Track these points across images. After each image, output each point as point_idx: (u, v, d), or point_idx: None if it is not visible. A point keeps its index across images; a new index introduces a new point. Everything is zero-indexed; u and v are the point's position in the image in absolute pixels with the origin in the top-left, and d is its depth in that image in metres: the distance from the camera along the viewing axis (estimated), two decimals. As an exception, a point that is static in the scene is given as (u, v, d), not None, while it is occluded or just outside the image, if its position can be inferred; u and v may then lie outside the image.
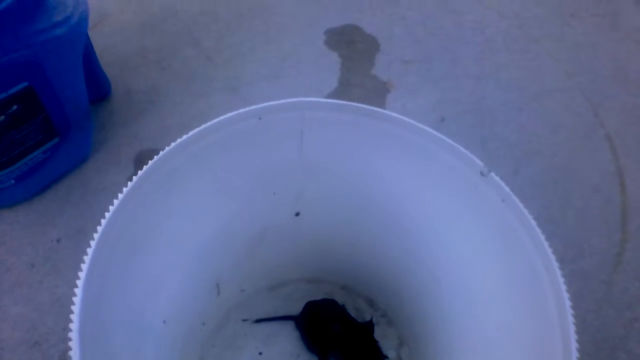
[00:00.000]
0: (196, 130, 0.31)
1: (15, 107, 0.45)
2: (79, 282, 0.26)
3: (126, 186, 0.30)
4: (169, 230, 0.33)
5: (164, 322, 0.35)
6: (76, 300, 0.25)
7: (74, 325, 0.25)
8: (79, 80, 0.51)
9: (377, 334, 0.45)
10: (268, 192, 0.38)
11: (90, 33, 0.57)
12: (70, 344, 0.24)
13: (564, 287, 0.26)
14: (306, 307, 0.46)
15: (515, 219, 0.29)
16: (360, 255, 0.44)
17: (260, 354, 0.45)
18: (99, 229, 0.28)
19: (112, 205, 0.29)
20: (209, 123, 0.32)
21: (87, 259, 0.27)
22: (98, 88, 0.60)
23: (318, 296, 0.48)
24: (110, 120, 0.60)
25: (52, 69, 0.46)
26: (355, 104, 0.33)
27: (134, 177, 0.30)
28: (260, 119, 0.33)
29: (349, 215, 0.40)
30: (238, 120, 0.32)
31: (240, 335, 0.46)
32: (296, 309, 0.47)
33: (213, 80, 0.66)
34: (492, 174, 0.31)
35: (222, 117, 0.32)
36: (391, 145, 0.34)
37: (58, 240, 0.51)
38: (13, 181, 0.50)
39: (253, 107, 0.32)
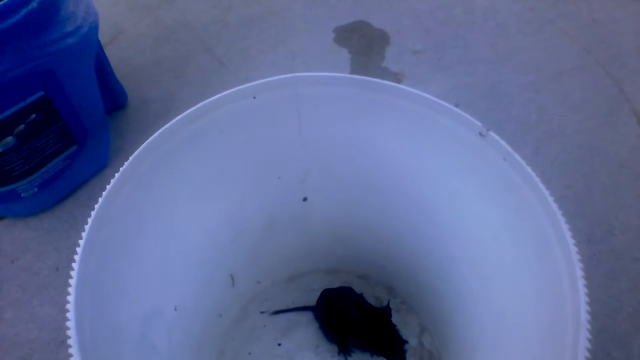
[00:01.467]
0: (189, 111, 0.31)
1: (33, 115, 0.47)
2: (76, 257, 0.26)
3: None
4: (170, 215, 0.33)
5: (175, 308, 0.36)
6: (73, 274, 0.25)
7: (70, 300, 0.25)
8: (93, 87, 0.53)
9: (398, 321, 0.44)
10: (272, 176, 0.38)
11: (106, 49, 0.60)
12: (68, 323, 0.25)
13: (571, 242, 0.25)
14: (322, 296, 0.46)
15: (518, 177, 0.28)
16: (373, 240, 0.44)
17: (279, 345, 0.45)
18: (96, 205, 0.28)
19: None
20: (201, 104, 0.32)
21: (83, 234, 0.27)
22: (115, 98, 0.62)
23: (335, 286, 0.47)
24: (127, 128, 0.62)
25: (65, 77, 0.48)
26: (350, 75, 0.33)
27: (129, 159, 0.30)
28: (254, 97, 0.33)
29: (356, 195, 0.40)
30: (231, 99, 0.33)
31: (259, 327, 0.46)
32: (314, 299, 0.47)
33: (226, 84, 0.66)
34: (491, 132, 0.30)
35: (214, 97, 0.32)
36: (389, 116, 0.33)
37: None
38: (36, 189, 0.52)
39: (246, 85, 0.32)
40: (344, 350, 0.44)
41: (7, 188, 0.50)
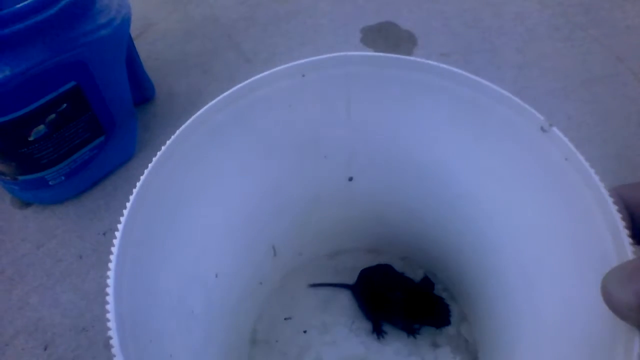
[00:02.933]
0: (237, 87, 0.31)
1: (64, 105, 0.48)
2: (119, 226, 0.27)
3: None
4: (215, 187, 0.34)
5: (216, 275, 0.37)
6: (115, 241, 0.27)
7: (111, 267, 0.26)
8: (123, 79, 0.53)
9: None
10: (318, 155, 0.38)
11: (136, 42, 0.60)
12: (107, 290, 0.26)
13: (630, 250, 0.24)
14: (362, 275, 0.46)
15: (580, 179, 0.27)
16: (417, 223, 0.43)
17: (316, 316, 0.46)
18: (142, 177, 0.29)
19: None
20: (249, 80, 0.32)
21: (128, 203, 0.28)
22: (142, 91, 0.63)
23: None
24: (154, 121, 0.63)
25: (97, 68, 0.48)
26: (405, 57, 0.32)
27: (175, 134, 0.31)
28: (303, 76, 0.32)
29: (403, 180, 0.39)
30: (281, 77, 0.32)
31: (298, 297, 0.47)
32: (354, 277, 0.47)
33: (251, 81, 0.67)
34: (555, 128, 0.28)
35: (263, 74, 0.32)
36: (442, 100, 0.32)
37: (104, 234, 0.53)
38: (63, 177, 0.53)
39: (296, 62, 0.32)
40: (377, 330, 0.44)
41: (36, 175, 0.51)
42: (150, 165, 0.30)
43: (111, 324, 0.25)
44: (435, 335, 0.44)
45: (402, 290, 0.43)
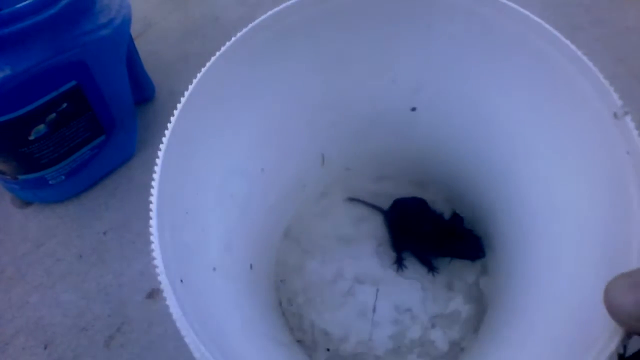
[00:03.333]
0: None
1: (65, 105, 0.48)
2: (172, 118, 0.30)
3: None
4: (276, 88, 0.35)
5: (262, 170, 0.39)
6: (167, 132, 0.30)
7: (160, 154, 0.29)
8: (123, 79, 0.53)
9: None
10: (386, 78, 0.38)
11: (136, 41, 0.60)
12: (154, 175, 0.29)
13: None
14: (395, 204, 0.47)
15: (635, 176, 0.26)
16: (467, 171, 0.43)
17: (345, 228, 0.49)
18: (203, 69, 0.32)
19: None
20: None
21: (183, 99, 0.31)
22: (143, 91, 0.63)
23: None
24: (154, 121, 0.63)
25: (97, 68, 0.48)
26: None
27: (237, 36, 0.33)
28: None
29: (465, 123, 0.39)
30: None
31: (334, 207, 0.50)
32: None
33: (251, 81, 0.67)
34: (628, 118, 0.26)
35: None
36: (524, 57, 0.31)
37: (104, 233, 0.53)
38: (63, 177, 0.53)
39: None
40: (398, 262, 0.46)
41: (36, 175, 0.51)
42: (213, 58, 0.32)
43: (153, 193, 0.28)
44: (453, 279, 0.45)
45: (431, 225, 0.44)
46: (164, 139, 0.30)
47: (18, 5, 0.41)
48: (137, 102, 0.62)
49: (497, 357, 0.36)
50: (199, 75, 0.31)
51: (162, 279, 0.27)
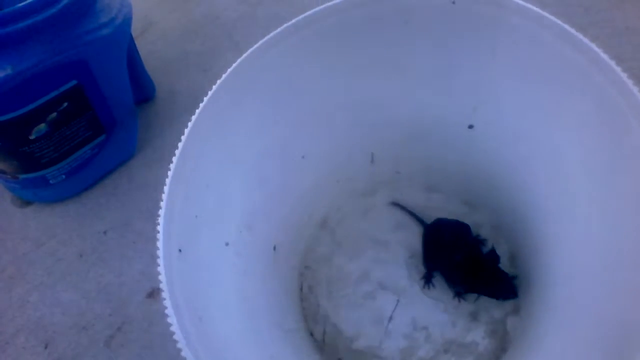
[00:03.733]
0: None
1: (65, 104, 0.48)
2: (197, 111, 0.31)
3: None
4: (329, 81, 0.36)
5: (303, 157, 0.40)
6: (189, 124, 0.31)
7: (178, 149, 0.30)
8: (124, 78, 0.53)
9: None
10: (440, 89, 0.37)
11: (136, 41, 0.60)
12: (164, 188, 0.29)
13: None
14: (435, 223, 0.46)
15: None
16: (516, 202, 0.42)
17: (380, 232, 0.48)
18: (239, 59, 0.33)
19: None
20: None
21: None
22: (143, 90, 0.63)
23: (466, 221, 0.46)
24: (154, 120, 0.63)
25: (98, 67, 0.48)
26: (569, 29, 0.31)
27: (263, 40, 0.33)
28: (454, 2, 0.30)
29: (519, 154, 0.38)
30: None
31: (377, 208, 0.49)
32: (437, 220, 0.47)
33: (252, 80, 0.67)
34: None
35: None
36: (587, 98, 0.31)
37: (105, 233, 0.53)
38: (64, 176, 0.53)
39: None
40: (427, 278, 0.45)
41: (36, 174, 0.51)
42: (249, 50, 0.33)
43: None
44: (480, 311, 0.43)
45: (464, 254, 0.43)
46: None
47: (19, 5, 0.41)
48: (137, 102, 0.62)
49: None
50: (244, 55, 0.33)
51: (159, 244, 0.27)
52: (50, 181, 0.53)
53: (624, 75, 0.29)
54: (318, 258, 0.47)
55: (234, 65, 0.32)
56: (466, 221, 0.46)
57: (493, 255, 0.44)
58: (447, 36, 0.34)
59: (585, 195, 0.34)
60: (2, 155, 0.48)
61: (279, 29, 0.32)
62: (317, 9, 0.33)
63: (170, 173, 0.30)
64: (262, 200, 0.39)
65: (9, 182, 0.53)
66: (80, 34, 0.46)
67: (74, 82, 0.47)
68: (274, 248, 0.41)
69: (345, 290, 0.46)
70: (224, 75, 0.32)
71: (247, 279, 0.37)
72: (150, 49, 0.71)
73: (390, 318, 0.44)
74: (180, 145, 0.30)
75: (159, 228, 0.28)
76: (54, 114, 0.48)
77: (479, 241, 0.46)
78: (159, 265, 0.27)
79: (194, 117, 0.32)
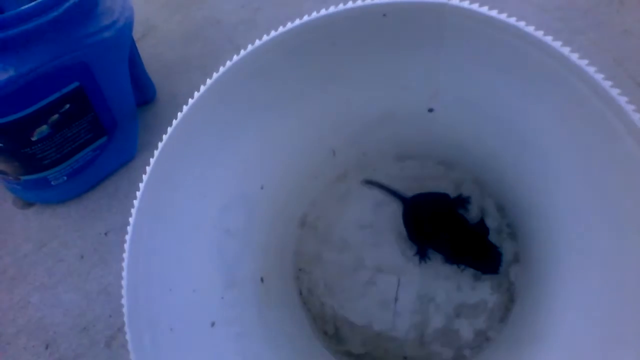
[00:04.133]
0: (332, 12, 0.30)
1: (67, 106, 0.48)
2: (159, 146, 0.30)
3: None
4: (283, 96, 0.35)
5: (262, 187, 0.38)
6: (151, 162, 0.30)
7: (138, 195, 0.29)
8: (125, 81, 0.54)
9: (495, 243, 0.43)
10: (395, 85, 0.36)
11: (138, 44, 0.61)
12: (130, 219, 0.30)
13: None
14: (414, 200, 0.44)
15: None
16: (496, 158, 0.41)
17: (365, 216, 0.46)
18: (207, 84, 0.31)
19: None
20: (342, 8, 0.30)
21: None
22: (144, 92, 0.63)
23: (445, 182, 0.45)
24: (155, 122, 0.63)
25: (99, 69, 0.49)
26: (523, 27, 0.29)
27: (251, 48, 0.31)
28: (384, 15, 0.29)
29: (486, 133, 0.38)
30: (360, 13, 0.30)
31: (352, 192, 0.47)
32: (417, 187, 0.45)
33: (252, 83, 0.68)
34: None
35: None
36: (550, 91, 0.30)
37: (105, 234, 0.54)
38: (65, 178, 0.54)
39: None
40: (421, 253, 0.44)
41: (38, 175, 0.52)
42: (216, 75, 0.31)
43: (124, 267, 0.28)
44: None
45: (451, 231, 0.42)
46: (149, 165, 0.30)
47: (22, 8, 0.41)
48: (138, 104, 0.63)
49: (523, 348, 0.35)
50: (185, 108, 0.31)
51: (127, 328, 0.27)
52: (52, 183, 0.53)
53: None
54: (309, 259, 0.46)
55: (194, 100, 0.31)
56: (445, 181, 0.45)
57: (483, 227, 0.43)
58: (393, 43, 0.33)
59: (557, 149, 0.33)
60: (4, 156, 0.49)
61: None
62: (281, 30, 0.32)
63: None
64: (236, 243, 0.37)
65: (11, 183, 0.54)
66: (82, 36, 0.46)
67: (76, 84, 0.48)
68: (262, 280, 0.40)
69: (343, 283, 0.45)
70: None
71: (244, 340, 0.36)
72: (152, 52, 0.71)
73: (396, 299, 0.44)
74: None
75: (125, 311, 0.28)
76: (56, 116, 0.48)
77: (462, 202, 0.44)
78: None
79: (146, 174, 0.31)
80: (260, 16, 0.77)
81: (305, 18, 0.30)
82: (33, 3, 0.42)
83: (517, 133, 0.36)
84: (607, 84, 0.27)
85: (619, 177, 0.28)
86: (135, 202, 0.30)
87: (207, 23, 0.76)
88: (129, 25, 0.51)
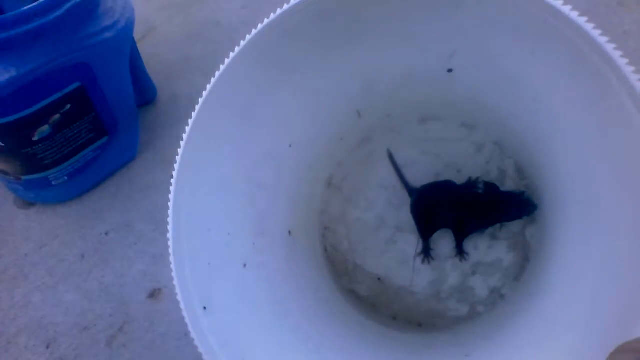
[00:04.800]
0: None
1: (68, 106, 0.49)
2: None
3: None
4: (311, 60, 0.37)
5: (290, 145, 0.41)
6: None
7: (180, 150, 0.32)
8: (126, 81, 0.54)
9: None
10: (415, 46, 0.38)
11: (138, 45, 0.61)
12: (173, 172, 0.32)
13: None
14: (420, 196, 0.45)
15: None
16: (513, 119, 0.41)
17: (388, 177, 0.48)
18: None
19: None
20: None
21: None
22: (145, 93, 0.64)
23: (466, 143, 0.46)
24: (156, 123, 0.63)
25: (101, 69, 0.49)
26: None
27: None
28: None
29: (502, 92, 0.39)
30: None
31: (376, 154, 0.48)
32: (442, 150, 0.46)
33: (252, 84, 0.68)
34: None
35: None
36: (556, 48, 0.31)
37: (106, 234, 0.54)
38: (66, 178, 0.54)
39: None
40: (425, 253, 0.45)
41: (39, 175, 0.52)
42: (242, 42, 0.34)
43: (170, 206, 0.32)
44: (497, 228, 0.44)
45: (467, 207, 0.43)
46: (188, 125, 0.33)
47: (23, 8, 0.42)
48: (138, 105, 0.63)
49: (536, 305, 0.36)
50: (233, 53, 0.35)
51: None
52: (53, 182, 0.53)
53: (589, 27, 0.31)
54: (334, 218, 0.48)
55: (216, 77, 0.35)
56: (467, 143, 0.46)
57: (490, 186, 0.43)
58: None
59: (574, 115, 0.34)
60: (5, 156, 0.49)
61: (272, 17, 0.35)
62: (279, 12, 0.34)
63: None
64: (268, 202, 0.40)
65: (12, 183, 0.54)
66: (83, 37, 0.46)
67: (77, 84, 0.48)
68: (289, 233, 0.42)
69: (366, 241, 0.47)
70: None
71: (273, 282, 0.38)
72: (152, 52, 0.72)
73: (415, 257, 0.45)
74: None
75: (170, 243, 0.31)
76: (57, 116, 0.48)
77: (471, 186, 0.45)
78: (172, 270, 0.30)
79: (185, 134, 0.33)
80: (260, 17, 0.77)
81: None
82: (35, 3, 0.42)
83: (529, 91, 0.37)
84: (603, 40, 0.29)
85: (615, 130, 0.29)
86: (179, 152, 0.33)
87: (208, 24, 0.77)
88: (130, 26, 0.51)
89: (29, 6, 0.42)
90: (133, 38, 0.54)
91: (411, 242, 0.46)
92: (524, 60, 0.35)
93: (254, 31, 0.33)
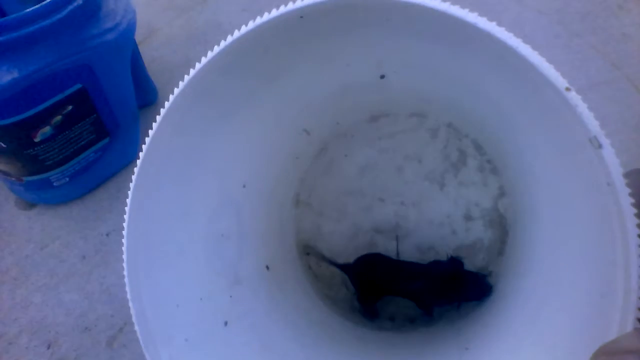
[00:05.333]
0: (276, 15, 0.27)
1: (70, 107, 0.49)
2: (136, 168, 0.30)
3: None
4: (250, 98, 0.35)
5: (244, 185, 0.39)
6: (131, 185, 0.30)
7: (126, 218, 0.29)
8: (127, 83, 0.54)
9: (479, 181, 0.44)
10: (341, 63, 0.36)
11: (140, 47, 0.61)
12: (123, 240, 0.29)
13: None
14: (358, 263, 0.45)
15: (614, 207, 0.24)
16: (466, 94, 0.39)
17: (353, 183, 0.47)
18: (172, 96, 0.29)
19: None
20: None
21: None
22: (146, 95, 0.64)
23: (421, 131, 0.45)
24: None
25: (102, 71, 0.49)
26: (469, 15, 0.24)
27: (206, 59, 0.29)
28: (301, 17, 0.28)
29: (441, 83, 0.38)
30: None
31: (336, 161, 0.48)
32: (398, 143, 0.46)
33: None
34: (603, 150, 0.24)
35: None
36: (498, 70, 0.29)
37: (107, 235, 0.54)
38: (67, 179, 0.54)
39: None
40: (370, 315, 0.44)
41: (40, 176, 0.52)
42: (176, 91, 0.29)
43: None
44: (470, 207, 0.44)
45: (423, 279, 0.42)
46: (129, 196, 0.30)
47: (26, 10, 0.42)
48: (139, 106, 0.63)
49: (525, 277, 0.36)
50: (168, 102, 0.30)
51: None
52: (54, 183, 0.54)
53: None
54: (310, 234, 0.47)
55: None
56: (421, 131, 0.45)
57: (456, 262, 0.42)
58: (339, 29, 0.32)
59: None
60: (7, 157, 0.49)
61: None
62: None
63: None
64: (233, 244, 0.38)
65: (14, 184, 0.54)
66: (85, 39, 0.47)
67: (79, 85, 0.48)
68: (267, 268, 0.41)
69: (347, 250, 0.46)
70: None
71: (259, 328, 0.37)
72: (153, 54, 0.72)
73: (397, 254, 0.45)
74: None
75: (139, 335, 0.29)
76: (59, 117, 0.49)
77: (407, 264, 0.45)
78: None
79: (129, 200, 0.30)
80: (261, 19, 0.78)
81: (258, 20, 0.30)
82: (37, 6, 0.42)
83: (466, 80, 0.36)
84: (517, 42, 0.25)
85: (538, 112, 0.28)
86: (124, 234, 0.29)
87: (209, 26, 0.77)
88: (131, 28, 0.51)
89: (32, 8, 0.42)
90: (134, 40, 0.55)
91: (390, 240, 0.46)
92: (449, 59, 0.33)
93: (192, 71, 0.29)
